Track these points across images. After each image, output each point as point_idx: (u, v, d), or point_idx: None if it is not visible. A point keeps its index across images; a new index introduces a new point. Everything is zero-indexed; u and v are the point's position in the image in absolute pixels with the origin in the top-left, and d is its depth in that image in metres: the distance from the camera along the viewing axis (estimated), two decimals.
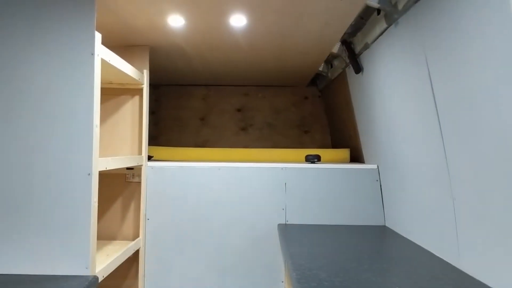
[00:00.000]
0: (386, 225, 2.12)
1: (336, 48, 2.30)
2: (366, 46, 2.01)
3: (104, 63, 1.59)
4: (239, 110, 3.33)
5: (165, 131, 3.31)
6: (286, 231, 2.00)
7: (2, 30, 1.47)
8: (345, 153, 2.57)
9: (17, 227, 1.45)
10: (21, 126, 1.46)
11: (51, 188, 1.45)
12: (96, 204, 1.50)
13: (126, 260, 1.94)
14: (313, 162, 2.31)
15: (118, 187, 2.19)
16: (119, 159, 1.80)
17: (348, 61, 2.28)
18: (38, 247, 1.44)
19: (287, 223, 2.17)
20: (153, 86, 3.28)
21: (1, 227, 1.44)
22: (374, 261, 1.47)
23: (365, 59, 2.10)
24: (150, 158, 2.39)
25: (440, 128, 1.43)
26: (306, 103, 3.32)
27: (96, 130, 1.49)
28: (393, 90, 1.82)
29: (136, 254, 2.11)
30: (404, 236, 1.87)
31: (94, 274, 1.46)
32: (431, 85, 1.45)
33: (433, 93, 1.45)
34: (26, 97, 1.47)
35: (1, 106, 1.46)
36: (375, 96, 2.06)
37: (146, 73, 2.18)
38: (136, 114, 2.20)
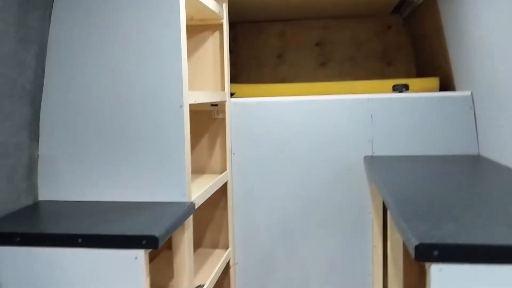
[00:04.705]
0: (481, 153, 2.01)
1: None
2: None
3: None
4: (317, 44, 3.23)
5: (243, 70, 3.32)
6: (374, 162, 1.96)
7: None
8: (434, 81, 2.42)
9: (119, 158, 1.54)
10: (114, 61, 1.53)
11: (147, 120, 1.52)
12: (189, 135, 1.55)
13: (215, 192, 2.02)
14: (401, 92, 2.21)
15: (204, 123, 2.25)
16: (205, 93, 1.83)
17: None
18: (138, 176, 1.54)
19: (373, 154, 2.13)
20: (229, 24, 3.26)
21: (108, 157, 1.55)
22: (472, 187, 1.40)
23: None
24: (232, 95, 2.42)
25: None
26: (389, 33, 3.13)
27: (185, 64, 1.52)
28: (490, 5, 1.65)
29: (224, 186, 2.19)
30: (503, 163, 1.76)
31: (191, 201, 1.54)
32: None
33: None
34: (115, 34, 1.52)
35: (94, 41, 1.53)
36: (469, 15, 1.88)
37: (225, 7, 2.16)
38: (217, 50, 2.21)
